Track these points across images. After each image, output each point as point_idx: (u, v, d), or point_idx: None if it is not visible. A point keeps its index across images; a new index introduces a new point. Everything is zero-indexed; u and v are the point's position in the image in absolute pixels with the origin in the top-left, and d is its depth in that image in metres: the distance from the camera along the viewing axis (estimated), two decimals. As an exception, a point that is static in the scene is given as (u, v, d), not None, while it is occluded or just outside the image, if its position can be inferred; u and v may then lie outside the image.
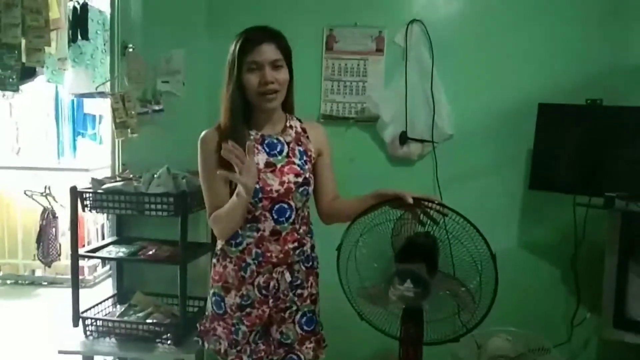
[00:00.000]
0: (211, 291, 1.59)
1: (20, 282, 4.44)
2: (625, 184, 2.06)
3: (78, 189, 2.20)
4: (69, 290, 2.29)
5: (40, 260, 4.07)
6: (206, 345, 1.61)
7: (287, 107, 1.58)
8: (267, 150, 1.51)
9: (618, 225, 2.08)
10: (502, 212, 2.43)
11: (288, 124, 1.57)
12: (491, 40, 2.38)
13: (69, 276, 3.36)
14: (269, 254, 1.50)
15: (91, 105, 4.92)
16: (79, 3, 3.31)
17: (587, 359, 2.42)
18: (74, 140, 5.10)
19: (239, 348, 1.55)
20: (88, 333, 2.21)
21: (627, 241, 2.07)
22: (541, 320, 2.32)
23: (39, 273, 4.48)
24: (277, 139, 1.54)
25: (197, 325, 1.64)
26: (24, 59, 2.32)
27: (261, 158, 1.49)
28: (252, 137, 1.51)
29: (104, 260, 3.93)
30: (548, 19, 2.35)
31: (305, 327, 1.59)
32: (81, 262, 4.09)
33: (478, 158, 2.44)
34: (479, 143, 2.42)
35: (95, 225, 4.44)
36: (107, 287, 2.69)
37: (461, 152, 2.43)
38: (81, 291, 2.26)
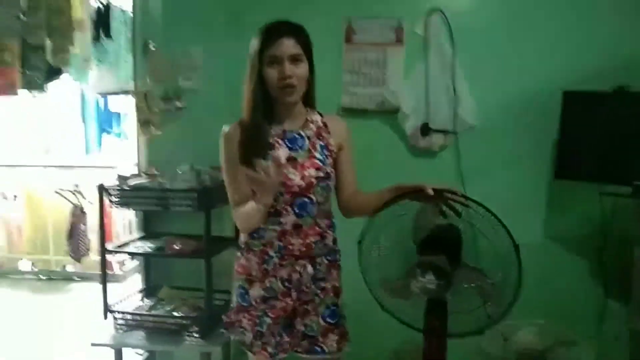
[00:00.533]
0: (236, 284, 1.62)
1: (53, 277, 4.57)
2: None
3: (105, 186, 2.25)
4: (99, 285, 2.36)
5: (70, 256, 4.18)
6: (232, 336, 1.64)
7: (309, 101, 1.59)
8: (289, 145, 1.52)
9: (647, 215, 2.04)
10: (527, 204, 2.39)
11: (309, 119, 1.58)
12: (512, 29, 2.33)
13: (99, 272, 3.45)
14: (291, 247, 1.52)
15: (116, 103, 5.02)
16: (102, 3, 3.37)
17: (617, 352, 2.37)
18: (100, 138, 5.20)
19: (264, 340, 1.57)
20: (117, 326, 2.26)
21: (657, 231, 2.03)
22: (569, 313, 2.28)
23: (70, 268, 4.61)
24: (298, 133, 1.54)
25: (223, 317, 1.67)
26: (49, 59, 2.38)
27: (282, 153, 1.50)
28: (273, 132, 1.52)
29: (132, 255, 4.01)
30: (571, 5, 2.29)
31: (328, 320, 1.60)
32: (110, 257, 4.21)
33: (502, 148, 2.40)
34: (503, 133, 2.38)
35: (123, 220, 4.53)
36: (136, 281, 2.76)
37: (484, 143, 2.39)
38: (111, 285, 2.32)
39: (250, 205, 1.46)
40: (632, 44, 2.25)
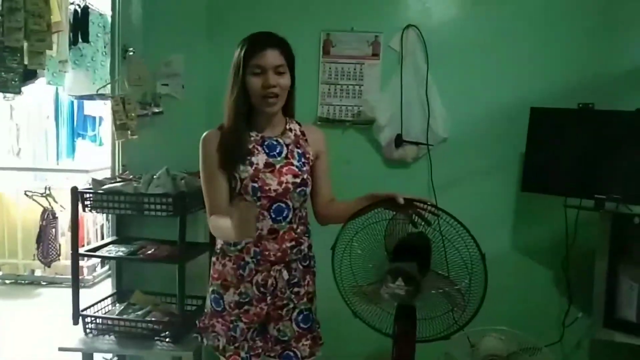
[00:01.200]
0: (210, 289, 1.63)
1: (20, 281, 4.48)
2: (616, 186, 2.11)
3: (79, 189, 2.23)
4: (68, 290, 2.32)
5: (40, 260, 4.11)
6: (205, 341, 1.65)
7: (288, 111, 1.63)
8: (267, 151, 1.56)
9: (608, 227, 2.13)
10: (495, 215, 2.48)
11: (288, 127, 1.62)
12: (485, 46, 2.43)
13: (68, 276, 3.40)
14: (267, 253, 1.54)
15: (91, 107, 4.97)
16: (79, 6, 3.36)
17: (579, 358, 2.46)
18: (74, 141, 5.13)
19: (236, 344, 1.59)
20: (88, 331, 2.24)
21: (617, 243, 2.12)
22: (534, 320, 2.36)
23: (38, 273, 4.52)
24: (276, 140, 1.58)
25: (197, 322, 1.68)
26: (26, 62, 2.36)
27: (261, 158, 1.54)
28: (252, 139, 1.55)
29: (104, 259, 3.96)
30: (540, 25, 2.40)
31: (302, 325, 1.63)
32: (80, 262, 4.12)
33: (472, 161, 2.48)
34: (473, 146, 2.46)
35: (95, 225, 4.48)
36: (106, 288, 2.73)
37: (456, 155, 2.48)
38: (80, 291, 2.29)
39: (226, 224, 1.39)
40: (598, 64, 2.37)
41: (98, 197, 2.22)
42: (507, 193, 2.46)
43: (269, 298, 1.58)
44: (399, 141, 2.45)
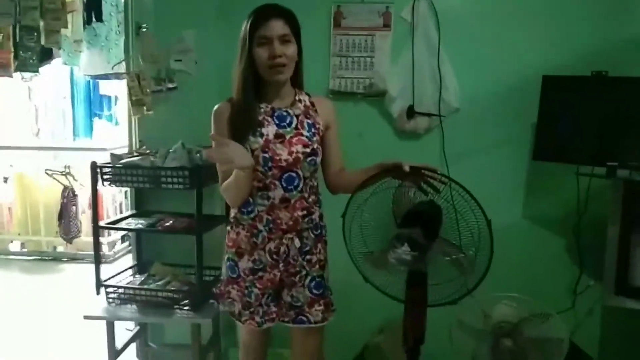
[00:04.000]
0: (225, 257, 1.69)
1: (43, 258, 4.62)
2: (628, 154, 2.10)
3: (98, 164, 2.29)
4: (90, 266, 2.40)
5: (62, 237, 4.23)
6: (221, 307, 1.71)
7: (297, 82, 1.66)
8: (277, 122, 1.59)
9: (620, 195, 2.11)
10: (508, 185, 2.47)
11: (297, 98, 1.65)
12: (497, 15, 2.40)
13: (90, 252, 3.50)
14: (279, 221, 1.59)
15: (107, 87, 5.03)
16: (93, -15, 3.37)
17: (590, 325, 2.48)
18: (91, 121, 5.22)
19: (251, 309, 1.65)
20: (110, 300, 2.32)
21: (629, 210, 2.10)
22: (546, 288, 2.38)
23: (60, 249, 4.65)
24: (286, 111, 1.61)
25: (214, 289, 1.74)
26: (42, 41, 2.41)
27: (271, 129, 1.57)
28: (262, 110, 1.58)
29: (124, 231, 4.05)
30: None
31: (314, 291, 1.68)
32: (100, 238, 4.25)
33: (485, 131, 2.47)
34: (486, 116, 2.46)
35: (114, 203, 4.58)
36: (127, 263, 2.81)
37: (468, 126, 2.47)
38: (101, 266, 2.37)
39: (235, 174, 1.51)
40: (611, 31, 2.32)
41: (117, 171, 2.28)
42: (519, 163, 2.45)
43: (281, 265, 1.63)
44: (410, 113, 2.46)
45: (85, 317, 2.25)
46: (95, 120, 5.26)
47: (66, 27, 2.55)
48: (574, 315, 2.44)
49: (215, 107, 1.61)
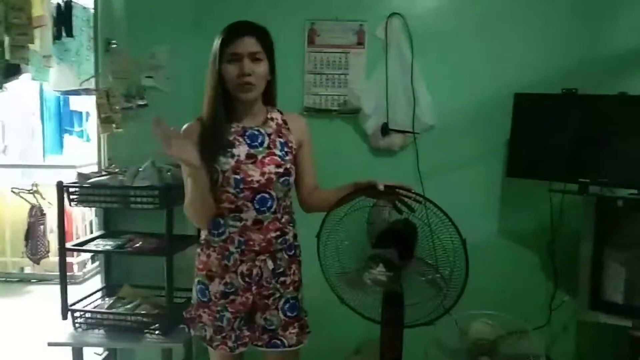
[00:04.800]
0: (196, 280, 1.63)
1: (9, 279, 4.45)
2: (600, 170, 2.13)
3: (64, 184, 2.22)
4: (58, 287, 2.31)
5: (28, 257, 4.08)
6: (192, 332, 1.65)
7: (269, 99, 1.63)
8: (249, 142, 1.55)
9: (593, 211, 2.15)
10: (482, 201, 2.49)
11: (269, 116, 1.62)
12: (469, 33, 2.43)
13: (58, 272, 3.38)
14: (251, 243, 1.55)
15: (77, 103, 4.93)
16: (62, 0, 3.31)
17: (565, 341, 2.49)
18: (61, 137, 5.09)
19: (223, 334, 1.59)
20: (77, 325, 2.23)
21: (602, 226, 2.14)
22: (521, 304, 2.36)
23: (27, 270, 4.50)
24: (258, 130, 1.58)
25: (183, 313, 1.68)
26: (7, 56, 2.34)
27: (242, 150, 1.53)
28: (233, 130, 1.55)
29: (91, 253, 3.96)
30: (525, 11, 2.40)
31: (288, 313, 1.63)
32: (70, 259, 4.13)
33: (458, 148, 2.49)
34: (460, 133, 2.47)
35: (84, 221, 4.45)
36: (97, 284, 2.72)
37: (442, 143, 2.48)
38: (70, 287, 2.28)
39: (188, 182, 1.44)
40: (580, 50, 2.38)
41: (84, 191, 2.21)
42: (493, 179, 2.47)
43: (254, 288, 1.58)
44: (385, 130, 2.46)
45: (50, 344, 2.15)
46: (66, 136, 5.14)
47: (33, 42, 2.49)
48: (549, 331, 2.45)
49: (184, 126, 1.57)
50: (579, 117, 2.20)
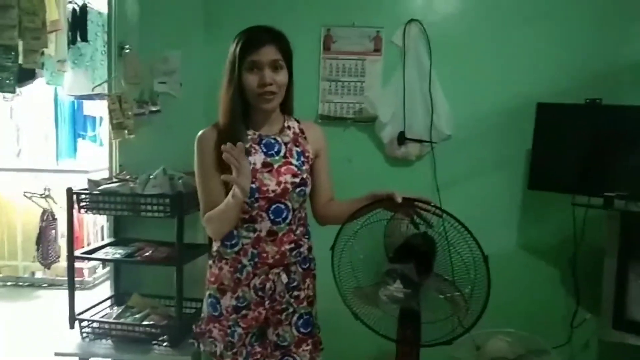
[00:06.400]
0: (207, 293, 1.58)
1: (19, 284, 4.44)
2: (624, 183, 2.05)
3: (74, 190, 2.19)
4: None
5: (39, 262, 4.08)
6: (202, 347, 1.60)
7: (286, 108, 1.57)
8: (265, 150, 1.50)
9: (617, 226, 2.07)
10: (501, 213, 2.42)
11: (286, 125, 1.57)
12: (489, 40, 2.37)
13: (67, 278, 3.36)
14: (265, 255, 1.49)
15: (91, 107, 4.93)
16: (78, 5, 3.32)
17: (587, 361, 2.41)
18: (75, 142, 5.09)
19: (234, 350, 1.54)
20: (84, 335, 2.20)
21: (627, 242, 2.06)
22: (541, 321, 2.31)
23: (38, 275, 4.47)
24: (274, 139, 1.53)
25: (193, 327, 1.63)
26: (21, 61, 2.33)
27: (258, 158, 1.48)
28: (249, 137, 1.50)
29: (101, 261, 3.93)
30: (547, 18, 2.34)
31: (302, 330, 1.58)
32: (81, 264, 4.11)
33: (477, 158, 2.43)
34: (478, 143, 2.41)
35: (95, 227, 4.43)
36: (107, 289, 2.69)
37: (460, 153, 2.42)
38: (80, 293, 2.26)
39: (226, 202, 1.41)
40: (605, 59, 2.31)
41: (94, 198, 2.17)
42: (513, 191, 2.40)
43: (267, 302, 1.53)
44: (401, 139, 2.40)
45: (57, 354, 2.12)
46: (80, 141, 5.14)
47: (46, 46, 2.48)
48: (569, 350, 2.37)
49: (200, 132, 1.52)
50: (603, 128, 2.14)
